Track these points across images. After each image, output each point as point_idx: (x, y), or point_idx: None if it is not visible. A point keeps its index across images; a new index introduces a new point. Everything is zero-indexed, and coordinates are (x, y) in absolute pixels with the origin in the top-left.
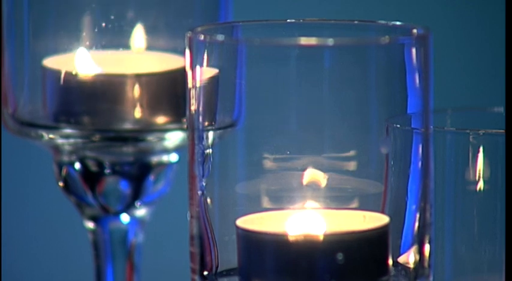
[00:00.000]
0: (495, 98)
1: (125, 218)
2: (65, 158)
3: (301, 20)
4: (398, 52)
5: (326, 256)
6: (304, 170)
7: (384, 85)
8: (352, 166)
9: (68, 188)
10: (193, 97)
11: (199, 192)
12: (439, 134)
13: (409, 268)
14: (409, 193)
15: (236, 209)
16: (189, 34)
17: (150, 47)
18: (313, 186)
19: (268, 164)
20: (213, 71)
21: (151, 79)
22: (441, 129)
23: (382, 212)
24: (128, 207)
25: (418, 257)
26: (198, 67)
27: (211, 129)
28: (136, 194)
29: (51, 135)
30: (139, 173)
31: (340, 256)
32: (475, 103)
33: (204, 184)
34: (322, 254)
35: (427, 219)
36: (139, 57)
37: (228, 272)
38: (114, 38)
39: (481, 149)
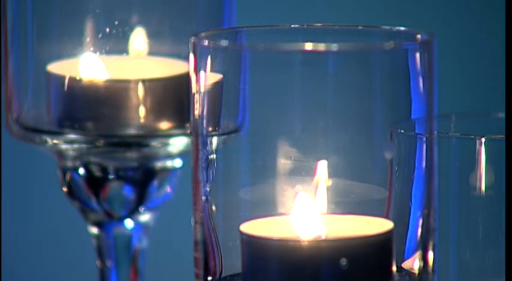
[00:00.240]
0: (499, 103)
1: (129, 223)
2: (69, 164)
3: (305, 26)
4: (402, 57)
5: (330, 262)
6: (308, 175)
7: (388, 91)
8: (356, 171)
9: (72, 193)
10: (197, 102)
11: (203, 197)
12: (443, 139)
13: (413, 273)
14: (413, 199)
15: (240, 215)
16: (193, 39)
17: (154, 53)
18: (318, 191)
19: (272, 169)
20: (217, 77)
21: (155, 84)
22: (446, 134)
23: (386, 217)
24: (132, 212)
25: (422, 262)
26: (202, 72)
27: (215, 135)
28: (141, 199)
29: (55, 141)
30: (143, 178)
31: (344, 262)
32: (480, 109)
33: (208, 190)
34: (326, 259)
35: (431, 224)
36: (143, 62)
37: (232, 278)
38: (118, 43)
39: (485, 154)
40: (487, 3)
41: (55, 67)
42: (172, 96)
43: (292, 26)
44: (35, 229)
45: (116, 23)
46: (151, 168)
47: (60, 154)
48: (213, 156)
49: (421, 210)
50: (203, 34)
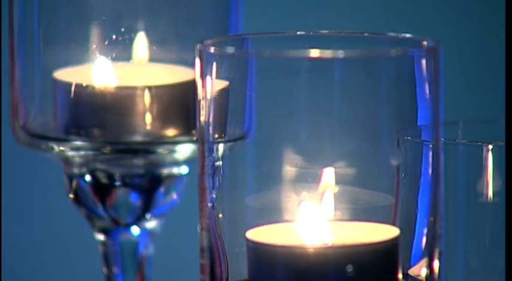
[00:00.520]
0: None
1: (135, 230)
2: (76, 170)
3: (312, 33)
4: (408, 64)
5: (336, 269)
6: (314, 182)
7: (394, 97)
8: (362, 178)
9: (79, 200)
10: (203, 109)
11: (210, 204)
12: (451, 146)
13: (419, 280)
14: (420, 205)
15: (246, 221)
16: (199, 46)
17: (160, 59)
18: (324, 198)
19: (278, 176)
20: (223, 83)
21: (162, 91)
22: (453, 141)
23: (393, 224)
24: (139, 219)
25: (428, 269)
26: (208, 79)
27: (222, 142)
28: (147, 206)
29: (61, 148)
30: (149, 185)
31: (350, 268)
32: (486, 115)
33: (214, 196)
34: (332, 266)
35: (438, 231)
36: (149, 69)
37: None
38: (124, 50)
39: (492, 161)
40: (494, 11)
41: (62, 74)
42: (179, 103)
43: (299, 33)
44: (41, 236)
45: (122, 29)
46: (157, 175)
47: (67, 161)
48: (219, 163)
49: (427, 217)
50: (209, 41)
